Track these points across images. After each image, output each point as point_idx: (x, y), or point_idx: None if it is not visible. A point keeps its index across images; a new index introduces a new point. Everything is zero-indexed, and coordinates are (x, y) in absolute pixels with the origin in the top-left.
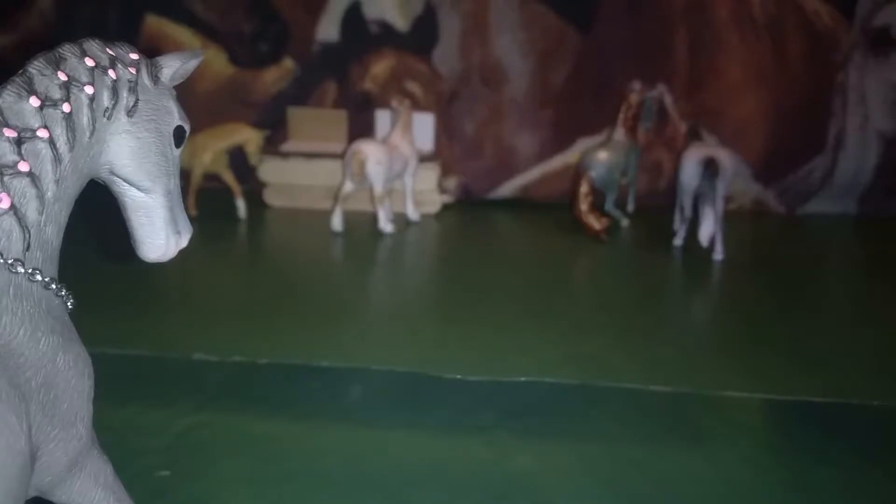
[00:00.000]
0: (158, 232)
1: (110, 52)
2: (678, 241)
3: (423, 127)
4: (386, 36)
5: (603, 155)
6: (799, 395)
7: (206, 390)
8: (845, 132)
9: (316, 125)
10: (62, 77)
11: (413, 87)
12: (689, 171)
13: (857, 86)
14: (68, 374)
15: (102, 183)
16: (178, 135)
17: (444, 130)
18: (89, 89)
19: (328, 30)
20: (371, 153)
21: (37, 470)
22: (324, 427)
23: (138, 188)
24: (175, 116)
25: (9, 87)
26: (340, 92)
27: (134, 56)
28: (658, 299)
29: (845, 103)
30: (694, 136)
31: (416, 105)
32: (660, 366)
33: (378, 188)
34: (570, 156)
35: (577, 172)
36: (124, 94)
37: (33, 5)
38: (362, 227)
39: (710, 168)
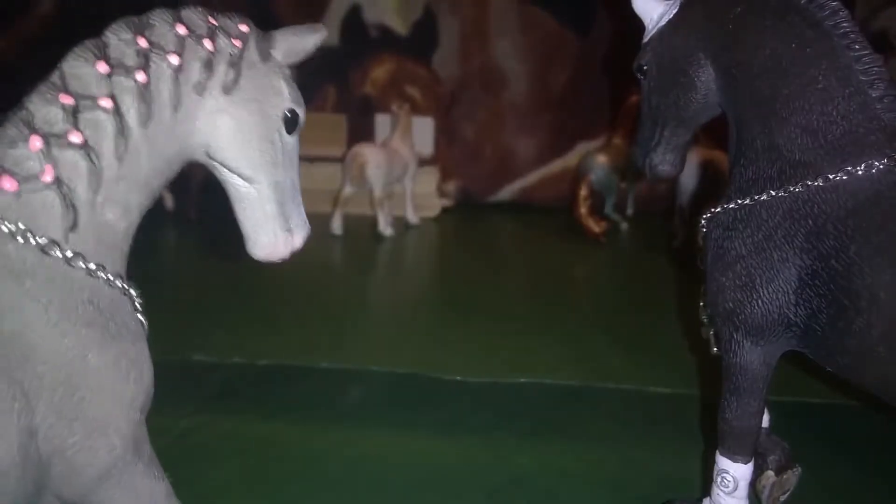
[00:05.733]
0: (263, 227)
1: (213, 21)
2: (677, 244)
3: (423, 131)
4: (386, 40)
5: (602, 158)
6: (799, 396)
7: (206, 392)
8: None
9: (316, 129)
10: (142, 43)
11: (413, 91)
12: (688, 174)
13: None
14: (102, 374)
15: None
16: (290, 120)
17: (444, 134)
18: (174, 59)
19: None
20: (371, 157)
21: (54, 477)
22: (324, 428)
23: (240, 176)
24: (285, 98)
25: (77, 50)
26: (340, 96)
27: (243, 28)
28: (657, 301)
29: None
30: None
31: (416, 109)
32: (659, 367)
33: (377, 192)
34: (569, 159)
35: (576, 176)
36: (221, 68)
37: (34, 9)
38: (362, 230)
39: (708, 170)
